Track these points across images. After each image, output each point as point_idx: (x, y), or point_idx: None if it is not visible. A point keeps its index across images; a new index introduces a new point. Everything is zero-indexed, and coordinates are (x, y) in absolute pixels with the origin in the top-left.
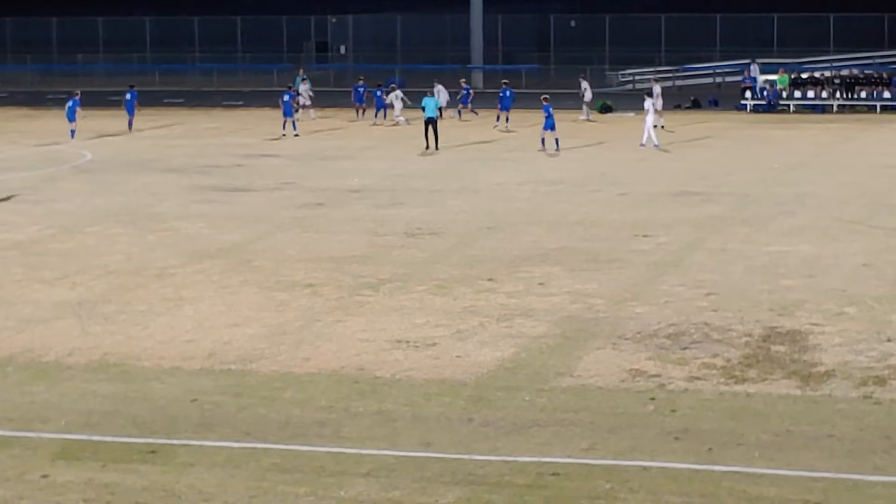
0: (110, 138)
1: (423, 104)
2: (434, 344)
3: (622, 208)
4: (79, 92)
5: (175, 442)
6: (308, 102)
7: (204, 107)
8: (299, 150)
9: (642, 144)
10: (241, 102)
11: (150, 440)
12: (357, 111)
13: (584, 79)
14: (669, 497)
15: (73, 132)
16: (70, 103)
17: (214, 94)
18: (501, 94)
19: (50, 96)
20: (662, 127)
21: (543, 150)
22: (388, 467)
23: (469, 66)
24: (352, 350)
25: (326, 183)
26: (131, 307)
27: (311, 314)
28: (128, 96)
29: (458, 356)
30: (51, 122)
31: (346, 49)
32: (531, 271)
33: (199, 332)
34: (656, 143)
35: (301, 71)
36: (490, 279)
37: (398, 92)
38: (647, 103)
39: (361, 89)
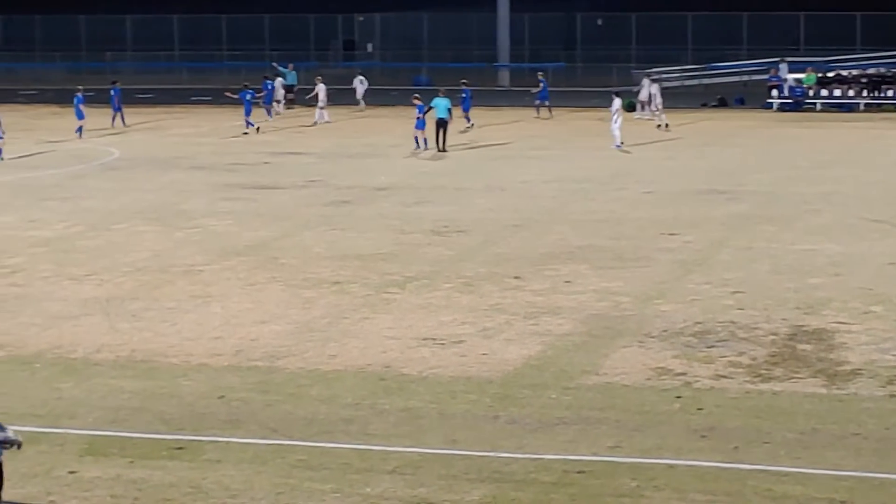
0: (138, 136)
1: (433, 104)
2: (460, 341)
3: (648, 206)
4: (81, 88)
5: (202, 438)
6: (280, 98)
7: (231, 104)
8: (326, 147)
9: (617, 146)
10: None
11: (178, 437)
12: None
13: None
14: (695, 495)
15: (80, 129)
16: (75, 100)
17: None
18: (463, 96)
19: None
20: (666, 126)
21: (419, 149)
22: (413, 464)
23: (495, 64)
24: (378, 347)
25: (353, 181)
26: (159, 304)
27: (338, 311)
28: (112, 92)
29: (484, 354)
30: (87, 118)
31: (372, 47)
32: (558, 269)
33: (227, 329)
34: (618, 143)
35: (291, 66)
36: (516, 277)
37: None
38: (616, 103)
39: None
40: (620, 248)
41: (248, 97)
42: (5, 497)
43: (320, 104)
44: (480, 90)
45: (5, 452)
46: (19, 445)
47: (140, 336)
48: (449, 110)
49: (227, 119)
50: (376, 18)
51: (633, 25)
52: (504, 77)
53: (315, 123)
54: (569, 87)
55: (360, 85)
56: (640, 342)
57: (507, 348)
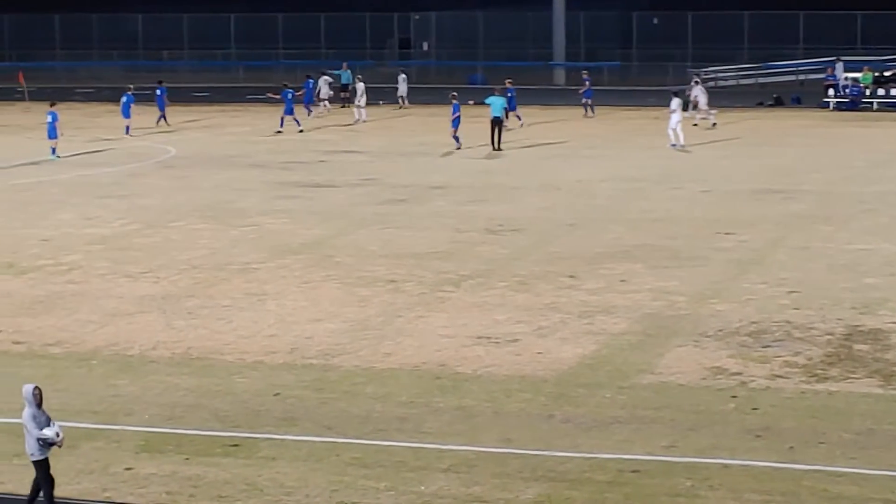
0: (194, 134)
1: (488, 102)
2: (515, 340)
3: (704, 206)
4: (131, 87)
5: (257, 436)
6: (325, 97)
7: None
8: (381, 146)
9: (672, 145)
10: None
11: (233, 434)
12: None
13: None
14: (750, 495)
15: (127, 128)
16: (124, 99)
17: (297, 90)
18: (508, 95)
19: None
20: (714, 125)
21: (459, 148)
22: (468, 463)
23: (551, 62)
24: (433, 346)
25: (408, 179)
26: (214, 302)
27: (393, 310)
28: (157, 92)
29: (539, 353)
30: (136, 117)
31: (428, 46)
32: (613, 268)
33: (282, 327)
34: (676, 143)
35: (345, 65)
36: (571, 276)
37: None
38: (674, 103)
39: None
40: (676, 247)
41: (290, 96)
42: (62, 493)
43: (358, 103)
44: (536, 89)
45: (53, 449)
46: (59, 445)
47: (196, 333)
48: (504, 109)
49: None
50: (432, 17)
51: (689, 24)
52: (560, 75)
53: (356, 122)
54: (624, 86)
55: (402, 83)
56: (696, 341)
57: (561, 347)
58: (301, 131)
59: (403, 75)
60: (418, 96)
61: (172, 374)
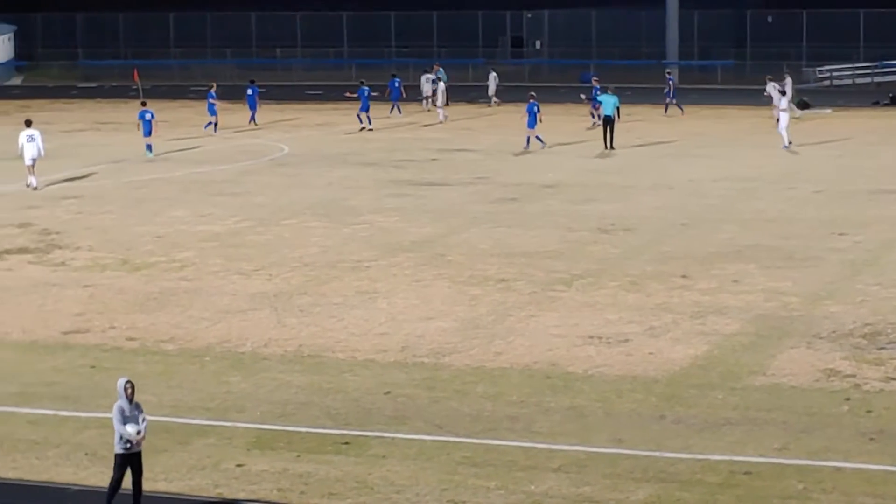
0: (307, 132)
1: (601, 101)
2: (626, 340)
3: (818, 206)
4: (214, 84)
5: (368, 434)
6: (430, 95)
7: (400, 101)
8: (493, 144)
9: (786, 146)
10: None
11: (344, 431)
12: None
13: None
14: (863, 499)
15: (214, 125)
16: (208, 97)
17: (410, 88)
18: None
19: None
20: (797, 117)
21: (527, 148)
22: (578, 463)
23: (664, 61)
24: (544, 345)
25: (520, 178)
26: (326, 299)
27: (504, 309)
28: (249, 91)
29: (650, 353)
30: (249, 114)
31: (541, 44)
32: (725, 268)
33: (393, 325)
34: (789, 143)
35: (437, 66)
36: (683, 276)
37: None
38: (783, 102)
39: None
40: (789, 247)
41: (367, 94)
42: (174, 489)
43: (440, 103)
44: (649, 88)
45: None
46: (138, 445)
47: (307, 331)
48: (617, 108)
49: (394, 116)
50: (545, 15)
51: (803, 22)
52: (673, 75)
53: (441, 121)
54: (738, 85)
55: (492, 82)
56: (809, 343)
57: (673, 348)
58: (371, 129)
59: (494, 73)
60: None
61: (284, 372)
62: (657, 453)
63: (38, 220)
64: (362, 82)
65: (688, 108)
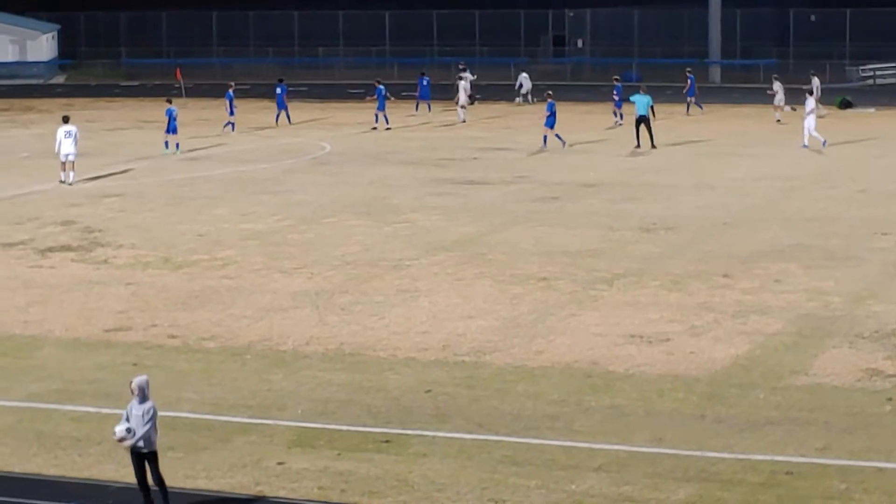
0: (348, 131)
1: (633, 100)
2: (668, 339)
3: (860, 205)
4: (233, 84)
5: (409, 432)
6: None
7: (440, 100)
8: (533, 143)
9: (823, 143)
10: (478, 96)
11: (385, 430)
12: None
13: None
14: None
15: (232, 125)
16: (227, 96)
17: (452, 87)
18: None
19: (291, 88)
20: (778, 121)
21: (544, 148)
22: (619, 462)
23: (706, 60)
24: (585, 344)
25: (561, 177)
26: (367, 298)
27: (545, 308)
28: (278, 90)
29: (691, 352)
30: (291, 113)
31: (583, 43)
32: (767, 268)
33: (434, 323)
34: (823, 141)
35: (461, 64)
36: (725, 275)
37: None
38: (810, 103)
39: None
40: (831, 247)
41: (384, 93)
42: (215, 486)
43: (461, 103)
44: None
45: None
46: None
47: (348, 329)
48: (651, 107)
49: (436, 114)
50: (587, 14)
51: (847, 21)
52: (715, 73)
53: (463, 121)
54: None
55: (525, 81)
56: (851, 343)
57: (714, 347)
58: (388, 129)
59: (525, 74)
60: (572, 94)
61: (325, 370)
62: (698, 453)
63: (80, 218)
64: (379, 81)
65: (730, 107)
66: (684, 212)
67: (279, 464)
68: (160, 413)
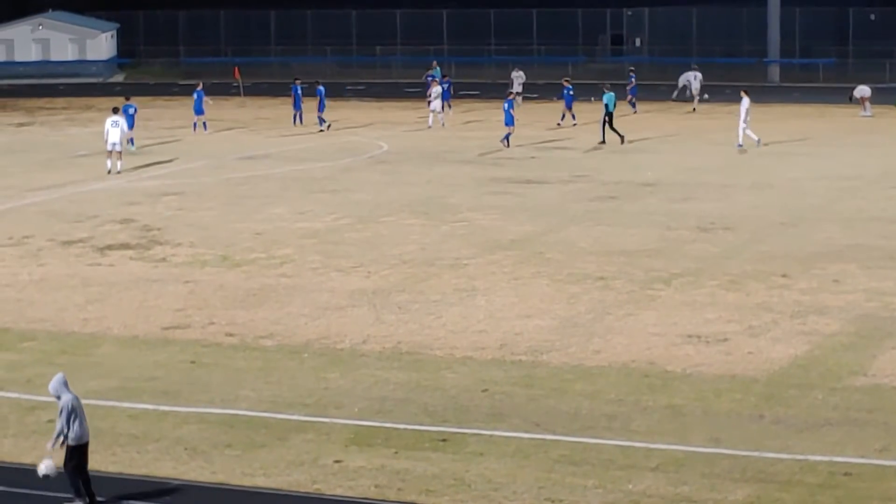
0: (405, 129)
1: (604, 99)
2: (725, 339)
3: None
4: (200, 83)
5: (466, 431)
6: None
7: (499, 99)
8: (592, 142)
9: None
10: (535, 95)
11: (442, 428)
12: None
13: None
14: None
15: (204, 125)
16: (195, 95)
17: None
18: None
19: (349, 87)
20: (693, 110)
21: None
22: (676, 462)
23: (765, 59)
24: (642, 344)
25: (619, 176)
26: (424, 297)
27: (603, 307)
28: (293, 91)
29: (749, 352)
30: (349, 112)
31: (641, 42)
32: (825, 268)
33: (491, 322)
34: (756, 140)
35: (434, 63)
36: (783, 275)
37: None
38: (745, 102)
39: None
40: (891, 247)
41: (309, 92)
42: (272, 484)
43: (432, 106)
44: (749, 86)
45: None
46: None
47: (405, 328)
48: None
49: (493, 114)
50: (645, 13)
51: None
52: (774, 72)
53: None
54: (840, 83)
55: (517, 80)
56: None
57: (773, 347)
58: (324, 129)
59: (520, 72)
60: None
61: (382, 368)
62: (756, 453)
63: (139, 217)
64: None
65: (789, 107)
66: (742, 211)
67: (336, 462)
68: (218, 411)
